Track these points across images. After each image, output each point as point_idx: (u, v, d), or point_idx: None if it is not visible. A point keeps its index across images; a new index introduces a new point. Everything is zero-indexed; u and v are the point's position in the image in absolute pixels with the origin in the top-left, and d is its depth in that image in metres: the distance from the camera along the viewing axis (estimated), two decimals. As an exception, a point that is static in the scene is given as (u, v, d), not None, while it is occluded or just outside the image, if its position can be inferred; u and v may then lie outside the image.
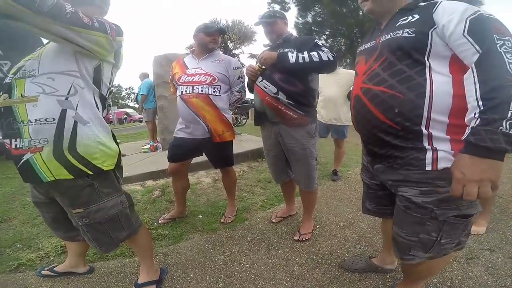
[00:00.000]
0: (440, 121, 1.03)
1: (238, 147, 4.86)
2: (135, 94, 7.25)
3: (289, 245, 2.23)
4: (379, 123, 1.15)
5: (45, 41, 1.32)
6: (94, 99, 1.34)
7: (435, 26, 0.99)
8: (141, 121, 20.92)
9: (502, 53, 0.85)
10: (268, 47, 2.13)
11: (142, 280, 1.74)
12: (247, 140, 5.96)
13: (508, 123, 0.80)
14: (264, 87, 2.00)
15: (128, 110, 29.10)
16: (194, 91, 2.19)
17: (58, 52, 1.21)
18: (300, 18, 12.66)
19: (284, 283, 1.80)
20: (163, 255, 2.13)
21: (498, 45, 0.86)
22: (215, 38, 2.27)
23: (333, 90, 3.51)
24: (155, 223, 2.61)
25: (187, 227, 2.55)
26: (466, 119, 0.91)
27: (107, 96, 1.43)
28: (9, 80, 1.19)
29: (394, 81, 1.08)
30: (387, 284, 1.76)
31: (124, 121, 24.89)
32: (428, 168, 1.05)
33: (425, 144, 1.06)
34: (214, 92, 2.21)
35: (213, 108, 2.21)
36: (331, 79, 3.43)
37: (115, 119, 23.41)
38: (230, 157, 2.49)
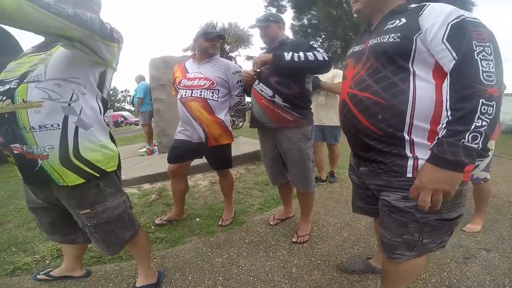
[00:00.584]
0: (422, 128, 1.03)
1: (235, 149, 4.85)
2: (131, 97, 7.22)
3: (287, 247, 2.23)
4: (363, 128, 1.15)
5: (25, 47, 1.33)
6: (97, 102, 1.35)
7: (420, 32, 0.98)
8: (137, 124, 20.81)
9: (478, 60, 0.84)
10: (265, 50, 2.14)
11: (140, 283, 1.73)
12: (244, 142, 5.96)
13: (470, 135, 0.82)
14: (261, 90, 2.01)
15: (124, 113, 28.93)
16: (193, 94, 2.21)
17: (66, 59, 1.22)
18: (296, 21, 12.72)
19: (283, 285, 1.80)
20: (161, 258, 2.12)
21: (475, 52, 0.85)
22: (214, 44, 2.31)
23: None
24: (152, 226, 2.59)
25: (184, 230, 2.54)
26: (437, 128, 0.93)
27: (107, 99, 1.45)
28: (15, 85, 1.16)
29: (378, 87, 1.08)
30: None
31: (121, 124, 24.74)
32: (409, 175, 1.06)
33: (407, 151, 1.07)
34: (212, 96, 2.23)
35: (210, 112, 2.23)
36: (326, 78, 3.39)
37: (111, 122, 23.28)
38: (229, 158, 2.50)
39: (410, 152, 1.06)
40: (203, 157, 2.49)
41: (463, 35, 0.88)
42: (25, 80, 1.17)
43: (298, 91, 1.97)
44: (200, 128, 2.23)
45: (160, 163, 4.32)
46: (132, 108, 6.99)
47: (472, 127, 0.82)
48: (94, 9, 1.39)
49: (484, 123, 0.82)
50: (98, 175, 1.32)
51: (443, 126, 0.89)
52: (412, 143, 1.05)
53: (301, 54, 1.83)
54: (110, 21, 1.31)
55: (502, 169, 4.08)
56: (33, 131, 1.16)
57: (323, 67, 1.90)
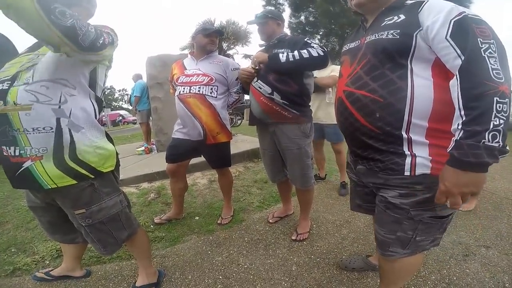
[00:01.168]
0: (420, 126, 1.03)
1: (234, 147, 4.83)
2: (129, 96, 7.18)
3: (287, 245, 2.23)
4: (360, 126, 1.14)
5: (20, 50, 1.34)
6: (91, 101, 1.33)
7: (420, 28, 0.97)
8: (135, 123, 20.73)
9: (486, 58, 0.83)
10: (263, 47, 2.13)
11: (141, 283, 1.73)
12: (243, 140, 5.96)
13: (490, 134, 0.80)
14: (259, 87, 2.01)
15: (122, 112, 28.84)
16: (191, 91, 2.20)
17: (53, 61, 1.19)
18: (293, 18, 12.71)
19: (283, 283, 1.80)
20: (161, 257, 2.11)
21: (482, 50, 0.84)
22: (213, 40, 2.29)
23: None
24: (152, 226, 2.59)
25: (183, 229, 2.54)
26: (451, 129, 0.91)
27: (101, 97, 1.43)
28: (6, 86, 1.16)
29: (376, 85, 1.07)
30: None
31: (120, 123, 24.64)
32: (407, 173, 1.06)
33: (405, 149, 1.06)
34: (211, 92, 2.21)
35: (209, 109, 2.21)
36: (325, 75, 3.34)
37: (109, 121, 23.20)
38: (228, 157, 2.49)
39: (408, 150, 1.06)
40: (202, 155, 2.48)
41: (467, 32, 0.87)
42: (15, 83, 1.16)
43: (297, 88, 1.97)
44: (199, 125, 2.22)
45: (159, 162, 4.31)
46: (130, 107, 6.96)
47: (491, 126, 0.80)
48: (84, 6, 1.35)
49: (501, 121, 0.80)
50: (92, 176, 1.31)
51: (459, 127, 0.86)
52: (410, 141, 1.05)
53: (296, 53, 1.82)
54: (106, 20, 1.29)
55: (500, 166, 4.08)
56: (27, 133, 1.16)
57: (320, 62, 1.88)
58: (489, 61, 0.83)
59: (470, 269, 1.86)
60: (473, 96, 0.83)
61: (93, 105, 1.35)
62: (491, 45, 0.84)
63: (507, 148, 0.84)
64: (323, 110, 3.26)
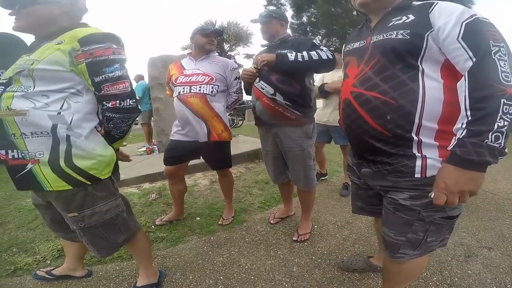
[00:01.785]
0: (430, 128, 1.02)
1: (235, 148, 4.85)
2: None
3: (288, 245, 2.22)
4: (370, 129, 1.12)
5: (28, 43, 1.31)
6: (97, 106, 1.32)
7: (432, 29, 0.96)
8: (136, 123, 20.72)
9: (496, 60, 0.84)
10: (266, 47, 2.13)
11: (141, 283, 1.73)
12: (244, 141, 5.96)
13: (493, 135, 0.81)
14: (262, 88, 2.01)
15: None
16: (192, 90, 2.18)
17: (56, 71, 1.17)
18: (295, 19, 12.71)
19: (284, 284, 1.80)
20: (162, 257, 2.12)
21: (493, 52, 0.85)
22: (212, 40, 2.28)
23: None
24: (153, 226, 2.59)
25: (184, 229, 2.54)
26: (454, 128, 0.91)
27: None
28: (0, 90, 1.14)
29: (386, 86, 1.05)
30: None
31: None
32: (417, 175, 1.05)
33: (415, 151, 1.05)
34: (211, 92, 2.20)
35: (211, 107, 2.21)
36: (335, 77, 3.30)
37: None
38: (229, 157, 2.48)
39: (418, 152, 1.05)
40: (201, 157, 2.46)
41: (479, 34, 0.88)
42: (10, 88, 1.14)
43: (299, 89, 1.96)
44: (203, 123, 2.21)
45: (160, 162, 4.26)
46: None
47: (495, 127, 0.81)
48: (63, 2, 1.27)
49: (505, 122, 0.81)
50: (89, 182, 1.29)
51: (463, 126, 0.87)
52: (419, 143, 1.04)
53: (305, 53, 1.82)
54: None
55: (502, 167, 4.08)
56: (25, 138, 1.15)
57: (328, 66, 1.90)
58: (499, 63, 0.83)
59: (472, 270, 1.85)
60: (481, 97, 0.84)
61: (97, 111, 1.33)
62: (501, 48, 0.85)
63: (506, 150, 0.84)
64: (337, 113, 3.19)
